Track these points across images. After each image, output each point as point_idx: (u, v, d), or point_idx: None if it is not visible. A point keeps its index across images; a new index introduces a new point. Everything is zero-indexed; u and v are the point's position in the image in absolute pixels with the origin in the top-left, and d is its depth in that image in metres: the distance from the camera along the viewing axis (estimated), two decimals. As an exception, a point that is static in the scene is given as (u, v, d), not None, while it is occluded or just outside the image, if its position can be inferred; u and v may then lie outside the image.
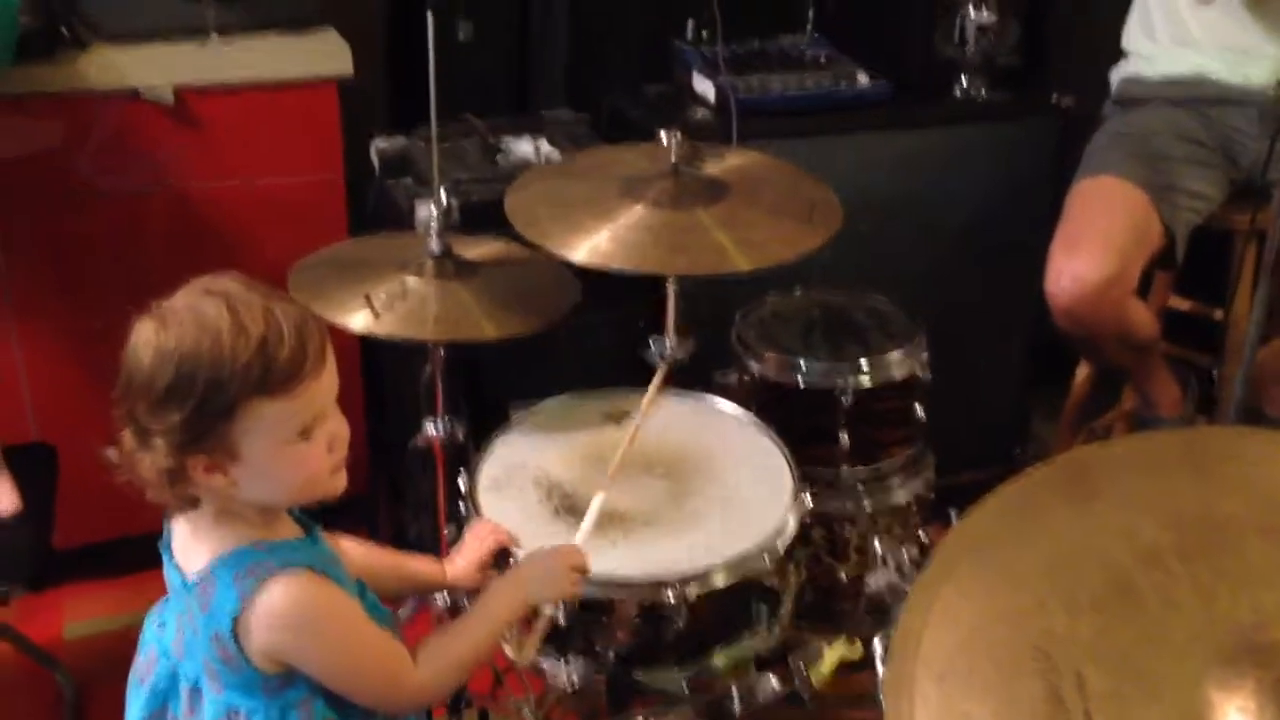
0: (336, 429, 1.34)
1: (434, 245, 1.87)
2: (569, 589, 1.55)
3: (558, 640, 1.64)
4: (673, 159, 1.94)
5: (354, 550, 1.56)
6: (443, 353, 1.91)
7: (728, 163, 2.07)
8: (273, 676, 1.33)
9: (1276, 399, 2.43)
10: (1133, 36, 2.52)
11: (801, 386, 2.02)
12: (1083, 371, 2.64)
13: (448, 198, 1.90)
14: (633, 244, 1.83)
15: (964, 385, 2.40)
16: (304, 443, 1.31)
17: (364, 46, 2.51)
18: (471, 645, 1.47)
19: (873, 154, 2.52)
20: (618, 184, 1.95)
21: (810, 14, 2.67)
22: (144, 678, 1.41)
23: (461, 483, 1.76)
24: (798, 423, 1.96)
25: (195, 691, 1.35)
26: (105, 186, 2.36)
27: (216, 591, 1.30)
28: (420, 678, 1.41)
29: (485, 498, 1.74)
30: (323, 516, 1.46)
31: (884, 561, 1.78)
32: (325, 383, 1.31)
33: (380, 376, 2.61)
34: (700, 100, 2.53)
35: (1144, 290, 2.35)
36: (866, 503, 2.03)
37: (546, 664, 1.64)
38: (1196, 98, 2.40)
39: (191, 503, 1.31)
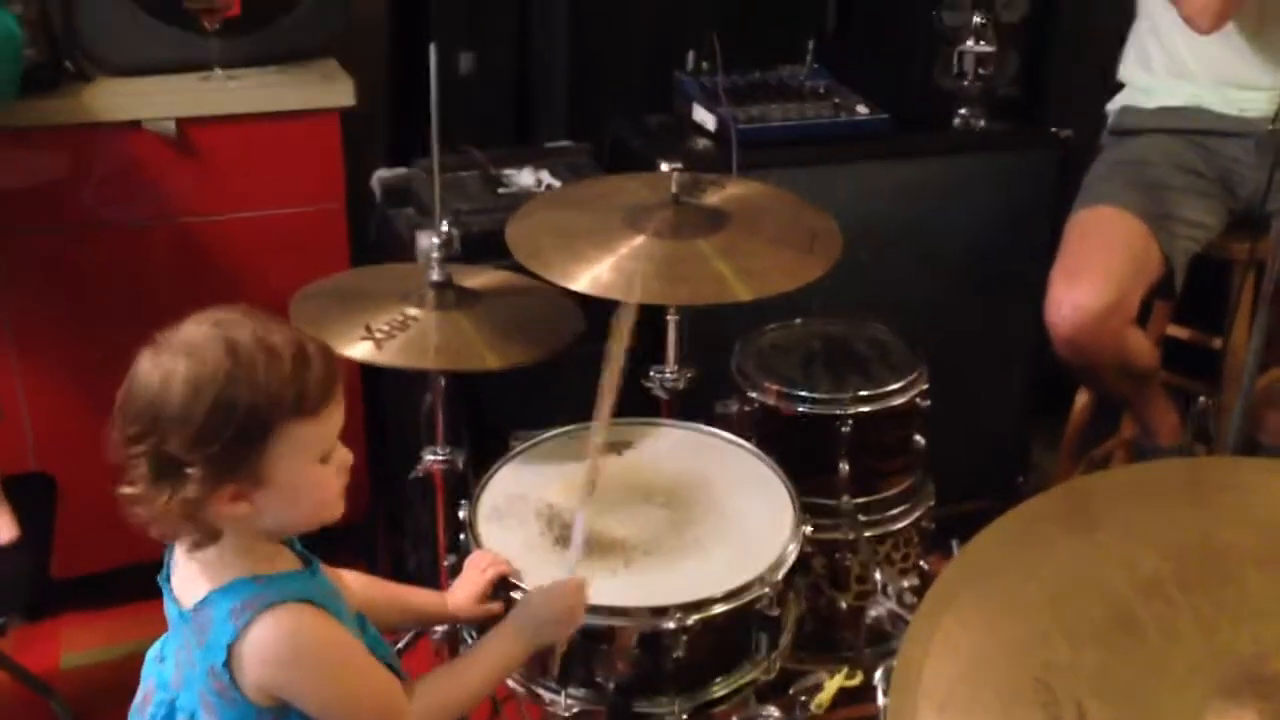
0: (345, 452, 1.36)
1: (435, 275, 1.87)
2: (567, 628, 1.54)
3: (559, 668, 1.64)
4: (673, 189, 1.95)
5: (355, 583, 1.56)
6: (443, 382, 1.91)
7: (728, 193, 2.08)
8: (266, 710, 1.32)
9: (1273, 428, 2.43)
10: (1129, 68, 2.54)
11: (802, 416, 2.02)
12: (1082, 400, 2.64)
13: (449, 228, 1.90)
14: (634, 274, 1.84)
15: (964, 414, 2.41)
16: (323, 465, 1.33)
17: (366, 78, 2.52)
18: (467, 689, 1.47)
19: (873, 184, 2.53)
20: (619, 214, 1.96)
21: (810, 45, 2.69)
22: (142, 711, 1.41)
23: (462, 513, 1.76)
24: (798, 452, 1.96)
25: (192, 724, 1.35)
26: (108, 217, 2.37)
27: (213, 624, 1.29)
28: (414, 716, 1.40)
29: (485, 528, 1.74)
30: (322, 547, 1.46)
31: (884, 591, 1.77)
32: (342, 405, 1.34)
33: (381, 406, 2.61)
34: (701, 130, 2.54)
35: (1143, 319, 2.36)
36: (867, 532, 2.03)
37: (545, 694, 1.63)
38: (1193, 129, 2.41)
39: (212, 536, 1.30)
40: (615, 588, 1.61)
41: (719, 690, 1.67)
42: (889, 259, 2.50)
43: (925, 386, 2.07)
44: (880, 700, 1.49)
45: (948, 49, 2.59)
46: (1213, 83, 2.39)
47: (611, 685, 1.61)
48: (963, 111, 2.61)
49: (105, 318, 2.39)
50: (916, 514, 2.10)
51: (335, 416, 1.32)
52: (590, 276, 1.83)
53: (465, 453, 1.97)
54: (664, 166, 1.97)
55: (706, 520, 1.76)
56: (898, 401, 2.03)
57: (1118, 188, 2.36)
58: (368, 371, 2.18)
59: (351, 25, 2.54)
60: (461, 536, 1.74)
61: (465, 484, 1.91)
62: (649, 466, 1.87)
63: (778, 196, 2.12)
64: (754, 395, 2.06)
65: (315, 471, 1.32)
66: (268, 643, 1.29)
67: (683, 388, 2.08)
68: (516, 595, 1.63)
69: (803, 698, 1.73)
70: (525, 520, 1.76)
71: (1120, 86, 2.55)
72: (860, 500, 2.04)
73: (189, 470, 1.24)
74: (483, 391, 2.26)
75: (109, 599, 2.49)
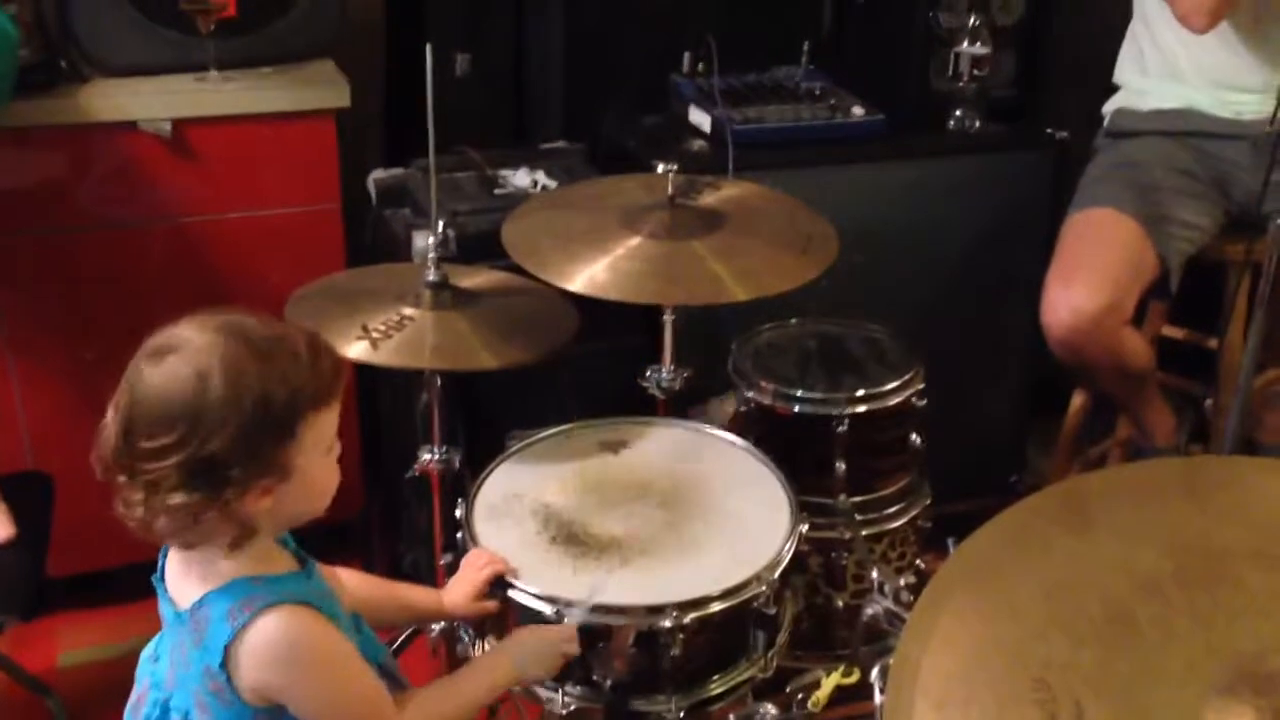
0: (338, 443, 1.37)
1: (431, 275, 1.87)
2: (554, 669, 1.57)
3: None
4: (669, 190, 1.95)
5: (350, 581, 1.56)
6: (440, 382, 1.91)
7: (724, 194, 2.08)
8: (261, 711, 1.32)
9: (1269, 427, 2.44)
10: (1125, 70, 2.54)
11: (798, 416, 2.02)
12: (1077, 400, 2.64)
13: (445, 228, 1.90)
14: (630, 274, 1.84)
15: (961, 414, 2.41)
16: (330, 454, 1.35)
17: (362, 79, 2.52)
18: (456, 707, 1.50)
19: (868, 185, 2.53)
20: (615, 215, 1.96)
21: (806, 47, 2.69)
22: (137, 711, 1.40)
23: (458, 512, 1.76)
24: (795, 451, 1.96)
25: (187, 724, 1.35)
26: (103, 217, 2.37)
27: (210, 625, 1.29)
28: None
29: (482, 527, 1.74)
30: (319, 546, 1.46)
31: (881, 589, 1.77)
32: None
33: (377, 406, 2.61)
34: (696, 132, 2.54)
35: (1138, 319, 2.36)
36: (864, 531, 2.03)
37: (543, 693, 1.63)
38: (1188, 130, 2.41)
39: (250, 533, 1.30)
40: (612, 586, 1.62)
41: (716, 688, 1.67)
42: (885, 260, 2.50)
43: (921, 386, 2.07)
44: (877, 698, 1.49)
45: (944, 51, 2.59)
46: (1207, 85, 2.39)
47: (609, 683, 1.61)
48: (958, 113, 2.61)
49: (101, 317, 2.38)
50: (913, 513, 2.10)
51: (339, 404, 1.35)
52: (586, 277, 1.83)
53: (461, 452, 1.97)
54: (660, 168, 1.97)
55: (703, 519, 1.76)
56: (894, 401, 2.03)
57: (1113, 190, 2.37)
58: (364, 371, 2.18)
59: (347, 27, 2.54)
60: (458, 535, 1.74)
61: (461, 483, 1.91)
62: (646, 466, 1.87)
63: (773, 198, 2.13)
64: (751, 395, 2.06)
65: (327, 460, 1.34)
66: (264, 645, 1.29)
67: (679, 387, 2.08)
68: (512, 594, 1.63)
69: (800, 695, 1.73)
70: (521, 519, 1.76)
71: (1116, 88, 2.56)
72: (857, 499, 2.04)
73: (231, 472, 1.24)
74: (479, 391, 2.26)
75: (106, 597, 2.49)
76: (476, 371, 1.84)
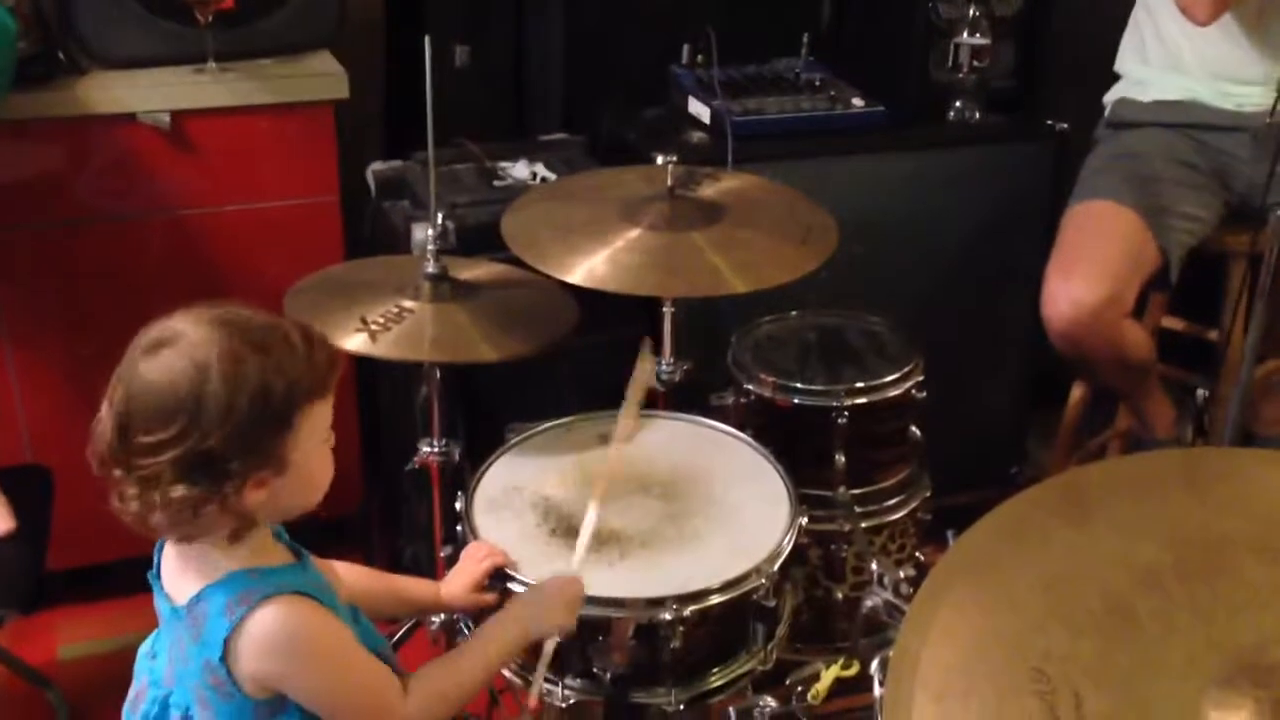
0: (332, 434, 1.37)
1: (430, 267, 1.87)
2: (566, 620, 1.55)
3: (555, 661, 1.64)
4: (669, 182, 1.95)
5: (347, 574, 1.56)
6: (439, 374, 1.91)
7: (723, 186, 2.08)
8: (263, 703, 1.32)
9: (1268, 419, 2.44)
10: (1126, 60, 2.54)
11: (798, 408, 2.02)
12: (1077, 392, 2.64)
13: (444, 220, 1.90)
14: (629, 266, 1.84)
15: (960, 406, 2.41)
16: (325, 445, 1.34)
17: (361, 71, 2.52)
18: (463, 680, 1.47)
19: (868, 177, 2.53)
20: (614, 207, 1.96)
21: (806, 38, 2.68)
22: (135, 708, 1.40)
23: (458, 505, 1.76)
24: (794, 444, 1.96)
25: (186, 720, 1.35)
26: (102, 210, 2.36)
27: (208, 619, 1.29)
28: (410, 708, 1.40)
29: (481, 519, 1.74)
30: (318, 540, 1.46)
31: (881, 581, 1.77)
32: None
33: (376, 399, 2.61)
34: (696, 123, 2.54)
35: (1139, 311, 2.36)
36: (863, 523, 2.03)
37: (543, 684, 1.63)
38: (1188, 122, 2.41)
39: (249, 524, 1.30)
40: (612, 579, 1.62)
41: (716, 680, 1.67)
42: (884, 251, 2.50)
43: (921, 378, 2.07)
44: (877, 690, 1.49)
45: (943, 42, 2.58)
46: (1208, 77, 2.39)
47: (609, 676, 1.61)
48: (958, 104, 2.61)
49: (100, 309, 2.38)
50: (912, 505, 2.10)
51: (333, 398, 1.34)
52: (586, 269, 1.83)
53: (461, 445, 1.97)
54: (659, 159, 1.97)
55: (703, 511, 1.76)
56: (893, 393, 2.03)
57: (1114, 182, 2.37)
58: (363, 364, 2.18)
59: (346, 18, 2.53)
60: (458, 528, 1.74)
61: (461, 476, 1.91)
62: (645, 458, 1.87)
63: (773, 189, 2.12)
64: (750, 387, 2.06)
65: (323, 450, 1.34)
66: (264, 635, 1.28)
67: (679, 380, 2.08)
68: (513, 586, 1.63)
69: (799, 688, 1.73)
70: (521, 512, 1.76)
71: (1117, 78, 2.55)
72: (856, 491, 2.04)
73: (230, 465, 1.24)
74: (478, 384, 2.26)
75: (106, 591, 2.49)
76: (476, 364, 1.84)
